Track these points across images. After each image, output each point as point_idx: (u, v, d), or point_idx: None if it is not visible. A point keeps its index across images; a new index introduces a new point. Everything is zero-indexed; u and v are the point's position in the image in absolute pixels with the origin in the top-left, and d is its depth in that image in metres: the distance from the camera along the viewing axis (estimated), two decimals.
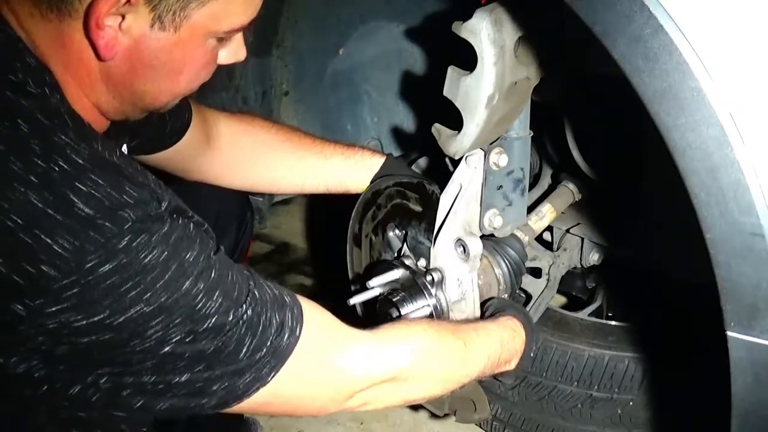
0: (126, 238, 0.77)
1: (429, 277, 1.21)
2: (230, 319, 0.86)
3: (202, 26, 0.88)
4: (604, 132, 1.46)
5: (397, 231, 1.32)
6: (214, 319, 0.84)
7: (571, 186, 1.55)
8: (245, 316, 0.87)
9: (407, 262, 1.26)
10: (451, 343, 1.05)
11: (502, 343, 1.12)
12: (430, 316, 1.21)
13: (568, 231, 1.58)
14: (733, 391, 0.79)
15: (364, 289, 1.25)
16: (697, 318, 1.43)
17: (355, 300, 1.26)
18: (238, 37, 1.00)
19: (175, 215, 0.85)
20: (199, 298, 0.83)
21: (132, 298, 0.77)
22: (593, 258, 1.59)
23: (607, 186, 1.51)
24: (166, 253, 0.80)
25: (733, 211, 0.72)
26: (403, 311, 1.20)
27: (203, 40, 0.91)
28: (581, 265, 1.61)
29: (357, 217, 1.39)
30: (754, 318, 0.74)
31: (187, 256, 0.83)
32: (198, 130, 1.35)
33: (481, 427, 1.75)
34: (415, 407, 1.81)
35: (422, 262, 1.26)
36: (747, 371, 0.77)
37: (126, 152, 1.15)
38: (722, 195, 0.72)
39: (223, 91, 1.70)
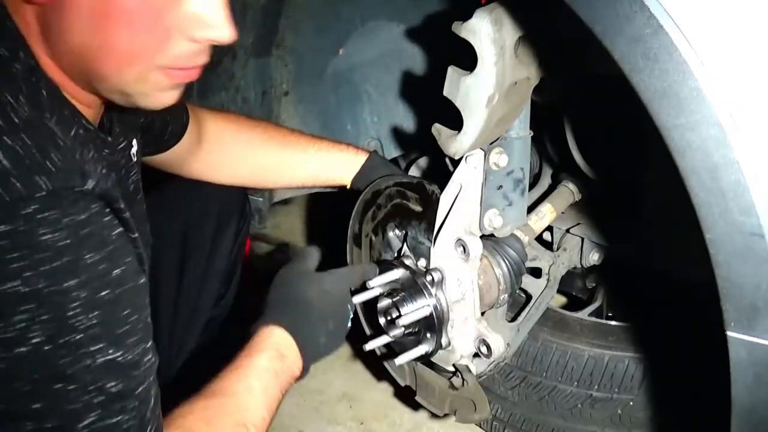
0: (32, 207, 0.73)
1: (429, 277, 1.21)
2: (95, 350, 0.78)
3: None
4: (604, 132, 1.46)
5: (397, 231, 1.32)
6: (79, 337, 0.77)
7: (571, 186, 1.55)
8: (111, 386, 0.79)
9: (407, 262, 1.26)
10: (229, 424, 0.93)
11: (275, 377, 1.02)
12: (430, 316, 1.21)
13: (568, 231, 1.58)
14: (732, 391, 0.79)
15: (364, 289, 1.25)
16: (697, 318, 1.44)
17: (355, 300, 1.26)
18: (212, 4, 0.85)
19: (102, 204, 0.80)
20: (75, 305, 0.76)
21: (14, 270, 0.73)
22: (593, 258, 1.59)
23: (607, 186, 1.52)
24: (68, 241, 0.75)
25: (733, 211, 0.72)
26: (403, 311, 1.21)
27: None
28: (581, 265, 1.61)
29: (357, 216, 1.39)
30: (754, 318, 0.74)
31: (88, 256, 0.78)
32: (192, 130, 1.36)
33: (481, 427, 1.75)
34: (415, 407, 1.81)
35: (422, 262, 1.26)
36: (747, 371, 0.77)
37: (136, 149, 1.13)
38: (722, 195, 0.72)
39: (223, 91, 1.70)
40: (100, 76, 0.86)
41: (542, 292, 1.46)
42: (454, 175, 1.20)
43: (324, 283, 1.16)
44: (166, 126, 1.29)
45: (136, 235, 0.93)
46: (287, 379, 1.05)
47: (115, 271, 0.81)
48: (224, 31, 0.86)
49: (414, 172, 1.65)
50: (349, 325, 1.17)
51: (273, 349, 1.04)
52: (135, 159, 1.13)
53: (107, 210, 0.82)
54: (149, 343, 0.87)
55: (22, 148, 0.74)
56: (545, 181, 1.68)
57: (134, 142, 1.13)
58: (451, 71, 1.07)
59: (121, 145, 1.08)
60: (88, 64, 0.85)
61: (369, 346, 1.24)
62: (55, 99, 0.85)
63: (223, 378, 0.99)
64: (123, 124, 1.09)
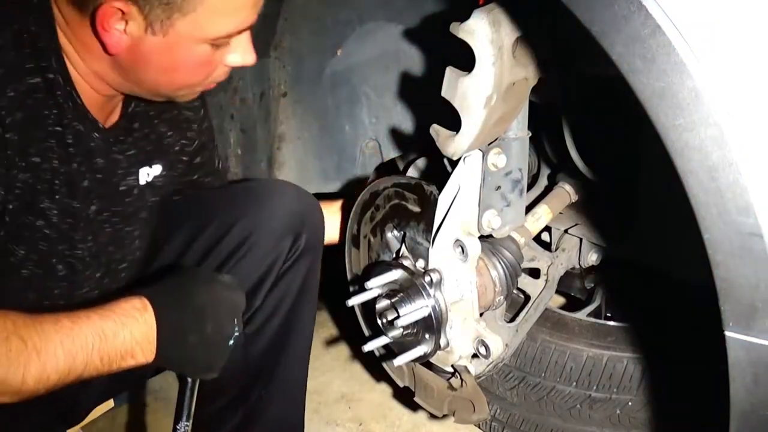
0: None
1: (427, 278, 1.21)
2: None
3: (186, 33, 1.04)
4: (602, 132, 1.46)
5: (395, 232, 1.32)
6: None
7: (568, 187, 1.55)
8: None
9: (405, 263, 1.26)
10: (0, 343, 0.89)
11: (102, 335, 0.96)
12: (429, 316, 1.21)
13: (566, 231, 1.58)
14: (731, 391, 0.79)
15: (363, 290, 1.25)
16: (696, 318, 1.44)
17: (354, 301, 1.26)
18: (243, 41, 1.13)
19: None
20: None
21: None
22: (592, 258, 1.59)
23: (605, 186, 1.52)
24: None
25: (731, 212, 0.72)
26: (402, 312, 1.20)
27: (192, 44, 1.06)
28: (580, 265, 1.61)
29: (355, 217, 1.39)
30: (753, 318, 0.74)
31: None
32: None
33: (479, 427, 1.75)
34: (414, 408, 1.81)
35: (420, 263, 1.26)
36: (746, 371, 0.77)
37: (150, 176, 1.30)
38: (720, 195, 0.71)
39: (222, 92, 1.70)
40: (157, 93, 1.17)
41: (541, 293, 1.46)
42: (452, 175, 1.20)
43: (220, 289, 1.09)
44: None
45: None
46: (117, 350, 0.97)
47: None
48: (251, 59, 1.16)
49: (412, 173, 1.65)
50: (231, 343, 1.07)
51: (113, 311, 0.99)
52: (137, 175, 1.27)
53: None
54: None
55: None
56: (543, 182, 1.68)
57: (154, 166, 1.30)
58: (449, 72, 1.06)
59: (123, 149, 1.24)
60: (146, 87, 1.14)
61: (368, 347, 1.24)
62: (49, 54, 1.06)
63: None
64: (147, 146, 1.28)
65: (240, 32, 1.10)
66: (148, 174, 1.30)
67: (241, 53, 1.14)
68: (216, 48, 1.09)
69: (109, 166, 1.21)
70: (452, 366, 1.29)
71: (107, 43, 1.04)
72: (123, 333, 0.98)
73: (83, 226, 1.18)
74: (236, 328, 1.08)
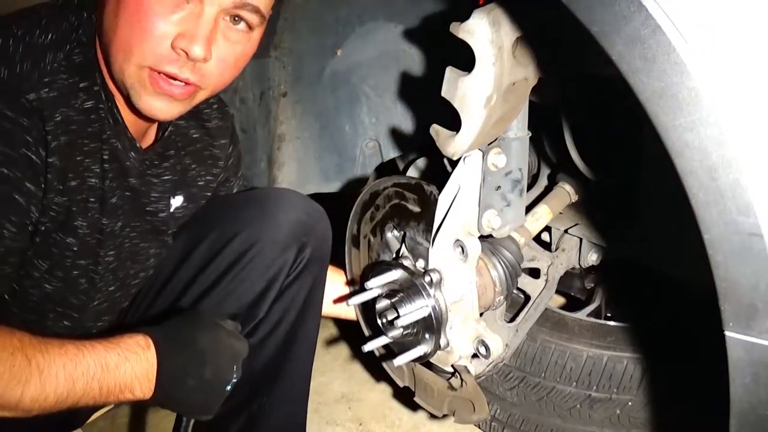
0: None
1: (427, 278, 1.21)
2: None
3: None
4: (602, 132, 1.46)
5: (395, 232, 1.32)
6: None
7: (568, 187, 1.55)
8: None
9: (405, 263, 1.26)
10: (5, 358, 0.89)
11: (105, 366, 0.96)
12: (429, 316, 1.21)
13: (566, 231, 1.58)
14: (731, 391, 0.79)
15: (363, 290, 1.25)
16: (696, 318, 1.44)
17: (354, 301, 1.26)
18: (191, 16, 1.01)
19: (31, 123, 0.97)
20: None
21: None
22: (592, 258, 1.59)
23: (605, 186, 1.52)
24: None
25: (731, 211, 0.71)
26: (402, 312, 1.20)
27: None
28: (580, 265, 1.61)
29: (355, 218, 1.39)
30: (753, 318, 0.74)
31: None
32: None
33: (480, 427, 1.75)
34: (414, 408, 1.81)
35: (420, 263, 1.26)
36: (745, 371, 0.77)
37: (172, 210, 1.30)
38: (720, 195, 0.71)
39: (221, 92, 1.70)
40: (113, 63, 1.05)
41: (541, 293, 1.46)
42: (452, 175, 1.20)
43: (223, 336, 1.10)
44: None
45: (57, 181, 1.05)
46: (117, 382, 0.97)
47: None
48: (195, 48, 1.02)
49: (412, 172, 1.65)
50: (228, 388, 1.08)
51: (118, 344, 0.99)
52: (168, 202, 1.28)
53: (32, 129, 0.97)
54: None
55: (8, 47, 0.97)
56: (543, 182, 1.68)
57: (176, 197, 1.30)
58: (449, 72, 1.06)
59: (158, 173, 1.25)
60: (108, 50, 1.05)
61: (368, 347, 1.24)
62: (88, 67, 1.05)
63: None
64: (174, 176, 1.27)
65: None
66: (172, 205, 1.30)
67: (184, 24, 1.02)
68: None
69: (142, 187, 1.22)
70: (452, 366, 1.29)
71: None
72: (125, 367, 0.98)
73: (109, 242, 1.19)
74: (235, 375, 1.09)
